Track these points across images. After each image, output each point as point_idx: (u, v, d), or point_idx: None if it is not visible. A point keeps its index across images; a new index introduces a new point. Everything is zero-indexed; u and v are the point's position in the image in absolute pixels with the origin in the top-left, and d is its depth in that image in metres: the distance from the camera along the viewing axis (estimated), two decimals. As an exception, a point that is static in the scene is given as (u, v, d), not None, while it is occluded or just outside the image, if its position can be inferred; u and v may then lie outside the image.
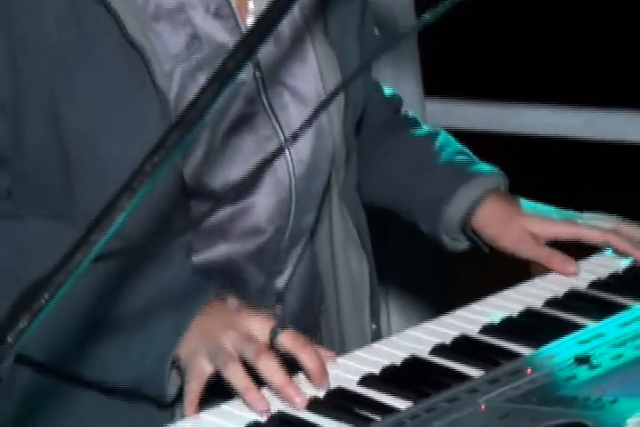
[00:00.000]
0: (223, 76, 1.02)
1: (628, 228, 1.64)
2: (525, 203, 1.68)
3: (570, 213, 1.66)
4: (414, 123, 1.82)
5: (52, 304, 0.94)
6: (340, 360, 1.38)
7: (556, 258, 1.60)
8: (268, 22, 1.07)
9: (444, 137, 1.77)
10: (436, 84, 2.98)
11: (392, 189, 1.76)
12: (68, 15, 1.41)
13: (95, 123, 1.43)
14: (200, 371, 1.32)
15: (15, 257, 1.43)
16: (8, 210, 1.47)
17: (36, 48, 1.41)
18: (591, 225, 1.63)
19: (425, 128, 1.80)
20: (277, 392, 1.27)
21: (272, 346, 1.31)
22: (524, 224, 1.63)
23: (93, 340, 1.40)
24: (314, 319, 1.70)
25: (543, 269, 1.61)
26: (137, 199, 0.97)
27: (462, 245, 1.71)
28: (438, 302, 2.77)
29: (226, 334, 1.32)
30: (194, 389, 1.31)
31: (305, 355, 1.29)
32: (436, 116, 2.86)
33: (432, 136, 1.77)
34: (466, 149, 1.76)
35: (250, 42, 1.05)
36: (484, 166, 1.71)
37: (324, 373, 1.30)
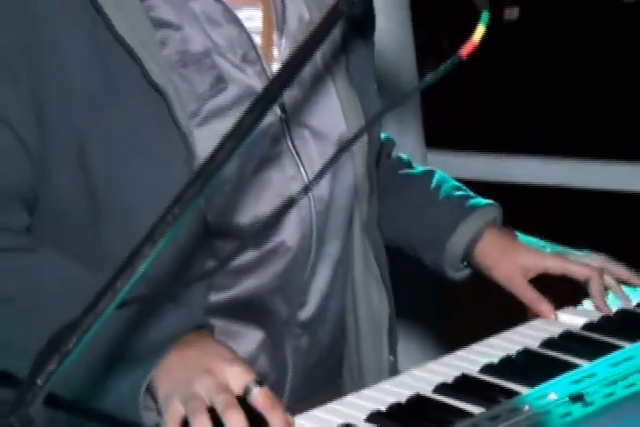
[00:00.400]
0: (240, 133, 1.03)
1: (614, 266, 1.64)
2: (522, 236, 1.69)
3: (560, 248, 1.67)
4: (408, 164, 1.83)
5: (79, 348, 0.94)
6: (348, 398, 1.37)
7: (538, 303, 1.61)
8: (282, 80, 1.08)
9: (439, 175, 1.78)
10: (436, 138, 2.99)
11: (396, 227, 1.75)
12: (93, 58, 1.40)
13: (120, 164, 1.42)
14: (174, 412, 1.26)
15: (25, 288, 1.40)
16: (23, 245, 1.45)
17: (62, 91, 1.40)
18: (579, 261, 1.63)
19: (420, 168, 1.81)
20: None
21: (244, 399, 1.26)
22: (517, 258, 1.64)
23: (86, 368, 1.35)
24: (340, 352, 1.68)
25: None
26: (159, 248, 0.97)
27: (463, 273, 1.72)
28: (438, 328, 2.77)
29: (201, 379, 1.26)
30: None
31: (273, 416, 1.24)
32: (436, 167, 2.87)
33: (428, 174, 1.78)
34: (462, 185, 1.76)
35: (265, 97, 1.06)
36: (481, 200, 1.72)
37: None
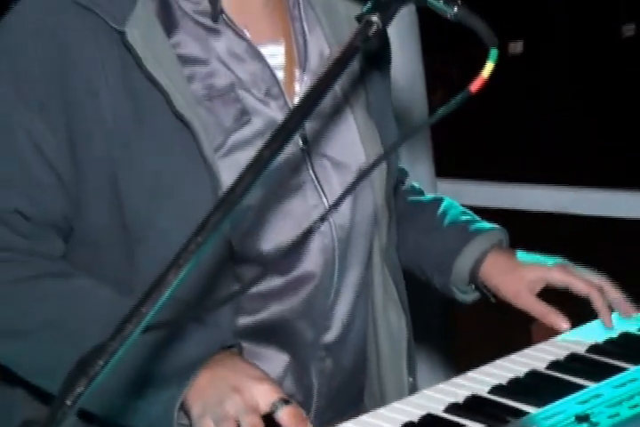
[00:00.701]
0: (261, 163, 1.04)
1: (612, 288, 1.63)
2: (523, 254, 1.68)
3: (561, 260, 1.66)
4: (419, 191, 1.84)
5: (106, 370, 0.95)
6: (363, 417, 1.37)
7: (549, 315, 1.61)
8: (300, 114, 1.09)
9: (447, 201, 1.78)
10: (446, 167, 3.00)
11: (406, 251, 1.75)
12: (123, 93, 1.41)
13: (150, 194, 1.42)
14: None
15: (59, 311, 1.41)
16: (59, 271, 1.46)
17: (94, 125, 1.41)
18: (582, 276, 1.63)
19: (430, 195, 1.82)
20: None
21: (272, 416, 1.28)
22: (522, 274, 1.63)
23: (117, 387, 1.37)
24: (363, 374, 1.68)
25: (543, 329, 1.61)
26: (183, 275, 0.98)
27: (472, 296, 1.71)
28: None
29: (231, 399, 1.29)
30: None
31: None
32: (446, 194, 2.88)
33: (437, 201, 1.79)
34: (468, 211, 1.77)
35: (285, 129, 1.07)
36: (486, 224, 1.72)
37: None
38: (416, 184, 1.88)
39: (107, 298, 1.43)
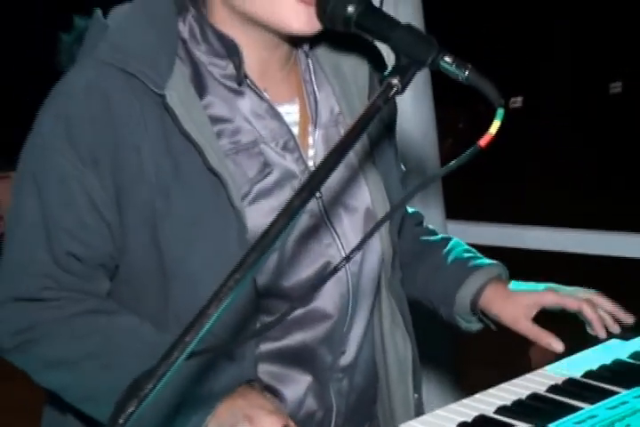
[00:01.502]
0: (290, 211, 1.05)
1: (601, 299, 1.62)
2: (515, 283, 1.68)
3: (552, 285, 1.66)
4: (432, 232, 1.84)
5: (154, 393, 0.96)
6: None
7: (544, 337, 1.59)
8: (327, 167, 1.10)
9: (454, 241, 1.79)
10: (455, 210, 3.01)
11: (417, 283, 1.76)
12: (162, 149, 1.42)
13: (185, 240, 1.43)
14: None
15: (106, 345, 1.42)
16: (106, 308, 1.47)
17: (137, 179, 1.42)
18: (569, 294, 1.62)
19: (440, 235, 1.82)
20: None
21: None
22: (518, 301, 1.63)
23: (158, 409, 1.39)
24: (374, 392, 1.69)
25: (540, 352, 1.60)
26: (222, 308, 0.99)
27: (475, 326, 1.71)
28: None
29: (243, 425, 1.32)
30: None
31: None
32: (454, 233, 2.89)
33: (445, 241, 1.79)
34: (472, 249, 1.77)
35: (311, 184, 1.09)
36: (487, 260, 1.73)
37: None
38: (430, 226, 1.89)
39: (147, 334, 1.44)
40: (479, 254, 1.74)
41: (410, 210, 1.86)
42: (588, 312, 1.59)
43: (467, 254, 1.73)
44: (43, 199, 1.43)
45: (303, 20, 1.40)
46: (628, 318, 1.60)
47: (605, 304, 1.61)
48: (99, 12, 1.49)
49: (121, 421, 0.95)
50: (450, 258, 1.73)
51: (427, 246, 1.79)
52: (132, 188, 1.42)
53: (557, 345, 1.58)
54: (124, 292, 1.50)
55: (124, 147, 1.41)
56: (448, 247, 1.76)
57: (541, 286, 1.66)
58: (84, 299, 1.45)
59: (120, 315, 1.46)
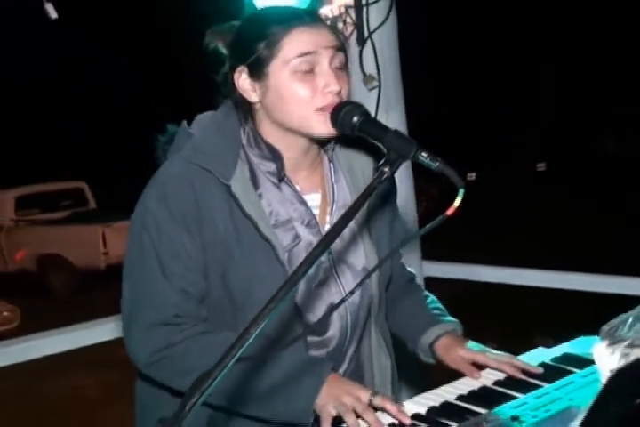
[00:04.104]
0: (309, 261, 1.08)
1: (515, 361, 1.55)
2: (471, 343, 1.62)
3: (485, 348, 1.60)
4: (419, 289, 1.79)
5: (212, 386, 0.97)
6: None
7: (471, 372, 1.54)
8: (335, 230, 1.12)
9: (431, 299, 1.74)
10: (430, 251, 3.01)
11: (398, 324, 1.72)
12: (228, 219, 1.44)
13: (247, 282, 1.45)
14: (328, 415, 1.37)
15: (203, 357, 1.41)
16: (210, 328, 1.46)
17: (214, 242, 1.44)
18: (495, 357, 1.56)
19: (424, 293, 1.77)
20: None
21: (370, 404, 1.37)
22: (458, 352, 1.59)
23: (256, 391, 1.41)
24: None
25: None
26: (261, 326, 1.02)
27: (431, 360, 1.67)
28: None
29: (344, 396, 1.37)
30: (326, 424, 1.37)
31: (389, 408, 1.36)
32: (429, 271, 2.91)
33: (426, 298, 1.74)
34: (442, 307, 1.72)
35: (324, 240, 1.11)
36: (448, 317, 1.68)
37: (403, 414, 1.35)
38: (419, 281, 1.84)
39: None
40: (446, 312, 1.70)
41: (406, 269, 1.81)
42: (507, 370, 1.54)
43: (436, 311, 1.70)
44: (158, 253, 1.44)
45: (322, 126, 1.42)
46: (536, 370, 1.53)
47: (517, 364, 1.55)
48: (184, 122, 1.53)
49: (187, 407, 0.95)
50: (423, 311, 1.70)
51: (411, 299, 1.75)
52: (211, 246, 1.44)
53: (478, 375, 1.54)
54: (209, 317, 1.50)
55: (204, 218, 1.43)
56: (425, 302, 1.72)
57: (477, 347, 1.61)
58: (197, 323, 1.46)
59: (220, 333, 1.45)
